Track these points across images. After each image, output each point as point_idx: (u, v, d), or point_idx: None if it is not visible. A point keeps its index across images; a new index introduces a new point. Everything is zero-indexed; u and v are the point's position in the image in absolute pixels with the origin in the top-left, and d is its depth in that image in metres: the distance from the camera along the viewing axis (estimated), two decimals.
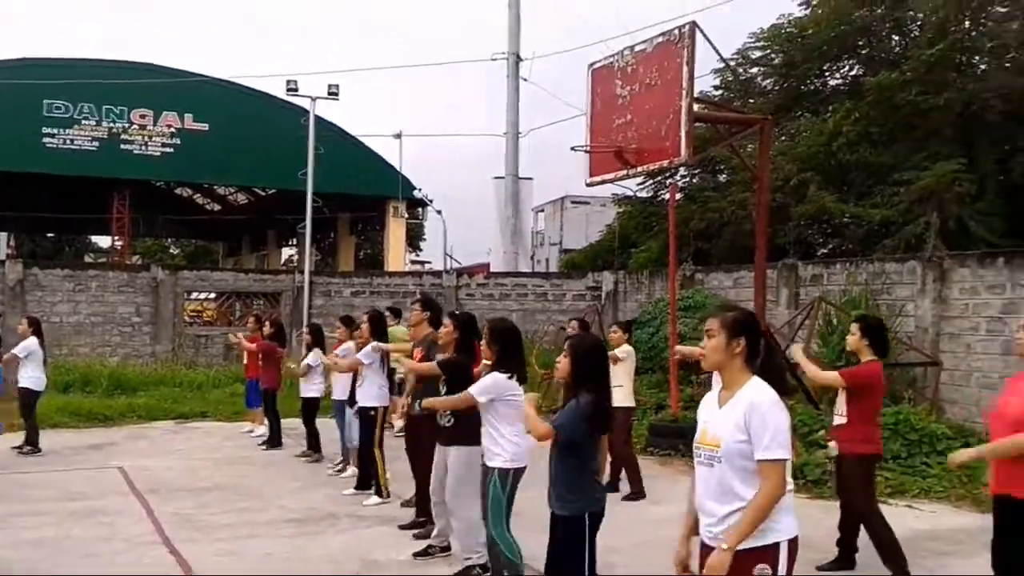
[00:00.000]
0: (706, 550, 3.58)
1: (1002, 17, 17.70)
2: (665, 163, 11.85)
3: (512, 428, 5.67)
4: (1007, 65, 17.19)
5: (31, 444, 11.67)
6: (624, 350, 9.39)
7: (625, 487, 9.38)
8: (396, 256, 30.52)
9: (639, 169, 12.33)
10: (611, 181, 13.09)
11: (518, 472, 5.73)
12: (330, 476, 10.44)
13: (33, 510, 8.51)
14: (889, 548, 6.38)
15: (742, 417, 3.48)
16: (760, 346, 3.65)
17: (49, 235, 52.58)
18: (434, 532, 7.12)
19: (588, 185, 13.16)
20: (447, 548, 7.00)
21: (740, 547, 3.42)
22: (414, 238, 48.41)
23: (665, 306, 16.83)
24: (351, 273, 26.27)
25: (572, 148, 12.81)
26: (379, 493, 9.01)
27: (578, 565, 4.54)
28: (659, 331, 16.68)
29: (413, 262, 44.88)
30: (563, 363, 4.76)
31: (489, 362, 6.02)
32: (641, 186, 25.81)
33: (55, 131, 25.89)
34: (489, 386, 5.75)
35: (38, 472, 10.37)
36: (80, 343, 19.08)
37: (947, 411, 12.24)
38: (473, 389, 5.78)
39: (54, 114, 25.79)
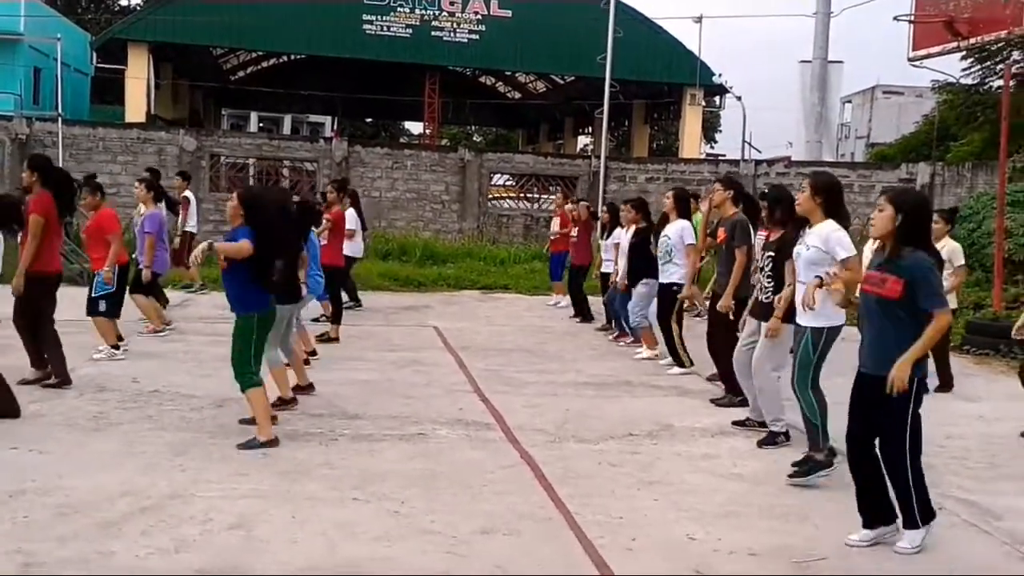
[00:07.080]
0: None
1: None
2: (1003, 33, 10.88)
3: None
4: None
5: (354, 300, 12.81)
6: (957, 252, 8.56)
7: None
8: (691, 144, 29.91)
9: (971, 41, 11.37)
10: (937, 55, 12.09)
11: (832, 331, 5.39)
12: (622, 349, 10.72)
13: (360, 356, 9.48)
14: None
15: None
16: None
17: (367, 120, 56.64)
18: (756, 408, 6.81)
19: (910, 60, 12.23)
20: (764, 424, 6.64)
21: None
22: (709, 130, 47.19)
23: (989, 200, 15.47)
24: (646, 159, 26.21)
25: (895, 18, 11.96)
26: (680, 364, 9.15)
27: (902, 425, 4.36)
28: (980, 227, 15.38)
29: (708, 155, 43.91)
30: (881, 217, 4.35)
31: None
32: (965, 72, 23.60)
33: (373, 18, 27.34)
34: (847, 243, 5.33)
35: (363, 326, 11.47)
36: (397, 217, 20.71)
37: None
38: (845, 247, 5.31)
39: (373, 1, 27.21)
